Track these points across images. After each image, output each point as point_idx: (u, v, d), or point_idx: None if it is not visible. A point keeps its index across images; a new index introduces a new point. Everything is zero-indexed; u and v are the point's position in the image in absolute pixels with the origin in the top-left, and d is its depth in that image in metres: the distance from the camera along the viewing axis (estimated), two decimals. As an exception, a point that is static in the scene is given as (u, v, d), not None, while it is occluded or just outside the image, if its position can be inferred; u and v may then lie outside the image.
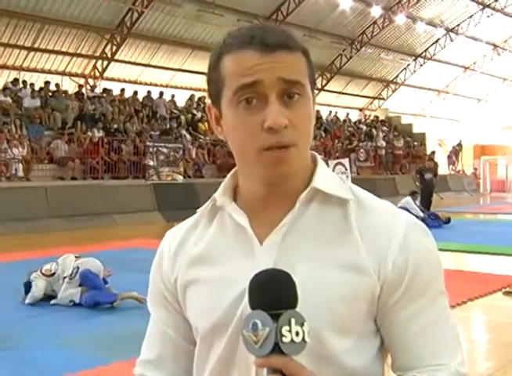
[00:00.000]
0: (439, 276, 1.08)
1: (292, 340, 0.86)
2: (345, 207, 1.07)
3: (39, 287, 6.60)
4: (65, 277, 6.60)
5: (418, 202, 15.23)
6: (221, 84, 1.05)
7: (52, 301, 6.54)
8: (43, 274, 6.70)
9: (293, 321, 0.86)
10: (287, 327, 0.86)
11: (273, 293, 0.89)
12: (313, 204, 1.08)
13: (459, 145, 31.49)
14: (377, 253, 1.03)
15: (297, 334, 0.86)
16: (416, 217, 1.15)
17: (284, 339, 0.86)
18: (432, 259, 1.07)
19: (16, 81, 18.20)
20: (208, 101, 1.12)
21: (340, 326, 1.02)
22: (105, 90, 20.33)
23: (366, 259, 1.03)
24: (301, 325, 0.87)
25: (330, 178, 1.11)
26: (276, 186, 1.07)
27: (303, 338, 0.86)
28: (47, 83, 18.65)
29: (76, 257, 6.85)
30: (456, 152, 31.21)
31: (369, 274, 1.02)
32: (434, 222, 13.78)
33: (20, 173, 15.14)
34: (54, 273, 6.70)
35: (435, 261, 1.08)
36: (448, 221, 14.52)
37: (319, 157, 1.14)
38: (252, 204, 1.10)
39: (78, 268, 6.56)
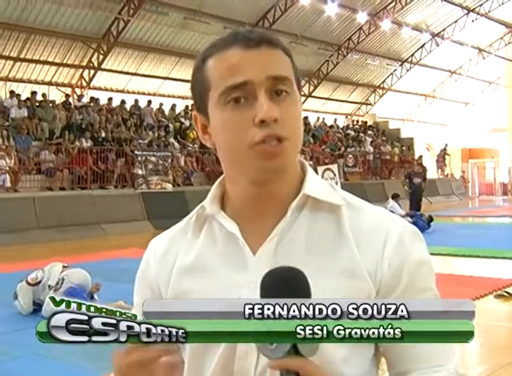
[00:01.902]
0: (433, 279, 1.08)
1: None
2: (337, 212, 1.06)
3: (27, 302, 6.48)
4: (49, 286, 6.42)
5: (400, 205, 15.34)
6: (206, 86, 1.03)
7: (41, 314, 6.42)
8: (28, 283, 6.55)
9: None
10: None
11: (290, 291, 0.86)
12: (304, 211, 1.06)
13: (445, 149, 31.64)
14: (373, 256, 1.02)
15: None
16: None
17: None
18: (427, 262, 1.07)
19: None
20: (194, 112, 1.10)
21: None
22: (92, 99, 20.26)
23: (361, 264, 1.02)
24: None
25: (321, 184, 1.09)
26: (265, 186, 1.04)
27: None
28: (33, 93, 18.57)
29: (64, 267, 6.69)
30: (443, 156, 31.37)
31: (365, 279, 1.01)
32: (421, 221, 13.69)
33: (8, 184, 15.03)
34: (40, 282, 6.53)
35: (429, 264, 1.07)
36: (430, 220, 14.53)
37: (307, 164, 1.12)
38: (241, 211, 1.07)
39: (63, 279, 6.37)
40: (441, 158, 31.16)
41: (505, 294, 7.32)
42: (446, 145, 31.63)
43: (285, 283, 0.87)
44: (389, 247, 1.03)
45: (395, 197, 15.41)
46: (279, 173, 1.03)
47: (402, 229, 1.06)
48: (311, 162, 20.56)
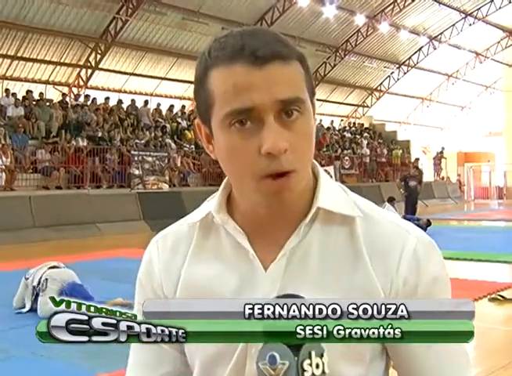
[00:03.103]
0: (449, 291, 1.04)
1: (313, 373, 0.82)
2: (351, 225, 1.01)
3: (17, 294, 6.60)
4: (34, 287, 6.46)
5: (396, 208, 15.32)
6: (210, 102, 0.95)
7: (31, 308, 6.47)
8: (25, 278, 6.69)
9: (313, 353, 0.83)
10: (308, 361, 0.82)
11: None
12: (316, 224, 1.01)
13: (441, 152, 31.70)
14: (387, 271, 0.98)
15: (317, 366, 0.83)
16: None
17: (306, 374, 0.82)
18: (443, 276, 1.03)
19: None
20: (197, 120, 1.02)
21: (352, 355, 0.96)
22: (87, 96, 20.14)
23: (376, 282, 0.98)
24: (321, 356, 0.83)
25: (334, 192, 1.03)
26: (277, 208, 0.99)
27: (323, 370, 0.83)
28: (29, 92, 18.52)
29: (50, 268, 6.63)
30: (439, 158, 31.43)
31: (379, 297, 0.97)
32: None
33: (3, 183, 14.99)
34: (28, 278, 6.65)
35: (446, 277, 1.04)
36: (428, 224, 14.52)
37: (320, 168, 1.05)
38: (250, 221, 1.02)
39: (46, 280, 6.40)
40: (438, 161, 31.22)
41: (499, 297, 7.31)
42: (443, 148, 31.71)
43: None
44: (404, 263, 0.99)
45: (391, 200, 15.37)
46: (289, 201, 0.98)
47: (417, 243, 1.01)
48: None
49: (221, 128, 0.94)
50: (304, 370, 0.82)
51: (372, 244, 1.00)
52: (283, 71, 0.92)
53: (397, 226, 1.03)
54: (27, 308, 6.42)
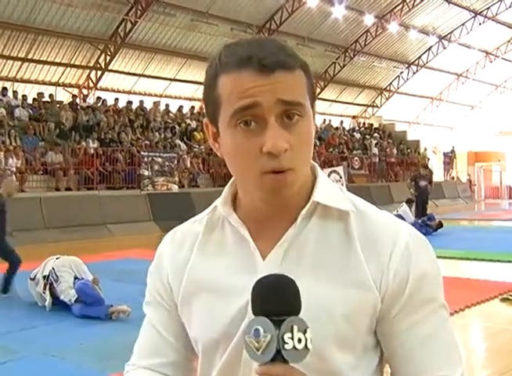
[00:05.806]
0: (440, 288, 1.07)
1: (294, 347, 0.85)
2: (346, 219, 1.06)
3: (33, 295, 6.93)
4: (44, 276, 6.76)
5: (412, 210, 15.24)
6: (218, 104, 1.01)
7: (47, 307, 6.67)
8: (30, 278, 6.99)
9: (295, 328, 0.85)
10: (289, 334, 0.85)
11: (276, 299, 0.88)
12: (314, 218, 1.06)
13: (452, 152, 31.56)
14: (379, 264, 1.02)
15: (299, 340, 0.85)
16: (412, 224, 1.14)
17: (286, 346, 0.85)
18: (433, 272, 1.06)
19: (4, 90, 17.97)
20: (205, 119, 1.09)
21: (342, 342, 1.00)
22: (98, 98, 20.24)
23: (368, 273, 1.01)
24: (304, 332, 0.86)
25: (330, 189, 1.09)
26: (277, 204, 1.04)
27: (305, 345, 0.85)
28: (40, 94, 18.61)
29: (57, 258, 7.01)
30: (450, 158, 31.30)
31: (372, 289, 1.01)
32: (422, 228, 13.09)
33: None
34: (35, 276, 6.91)
35: (436, 273, 1.07)
36: (440, 226, 14.42)
37: (319, 168, 1.12)
38: (252, 216, 1.08)
39: (54, 269, 6.74)
40: (448, 160, 31.09)
41: (510, 297, 7.29)
42: (453, 147, 31.58)
43: (272, 290, 0.89)
44: (395, 256, 1.02)
45: (409, 201, 15.28)
46: (288, 198, 1.03)
47: (409, 238, 1.05)
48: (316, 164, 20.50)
49: (228, 128, 1.01)
50: (284, 342, 0.85)
51: (365, 238, 1.04)
52: (287, 79, 0.99)
53: (390, 222, 1.08)
54: (48, 299, 6.68)
